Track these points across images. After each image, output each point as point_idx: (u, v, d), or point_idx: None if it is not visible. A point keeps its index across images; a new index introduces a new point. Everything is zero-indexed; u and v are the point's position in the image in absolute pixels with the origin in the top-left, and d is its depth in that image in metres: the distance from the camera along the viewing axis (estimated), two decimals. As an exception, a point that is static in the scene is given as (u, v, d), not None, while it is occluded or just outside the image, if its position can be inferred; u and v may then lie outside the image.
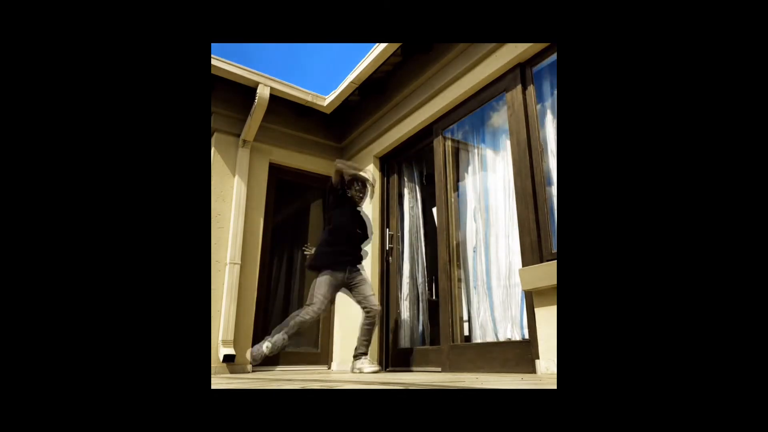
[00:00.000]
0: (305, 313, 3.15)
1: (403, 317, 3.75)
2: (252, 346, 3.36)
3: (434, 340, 3.59)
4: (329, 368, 4.15)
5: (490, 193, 3.20)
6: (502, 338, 2.87)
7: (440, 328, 3.21)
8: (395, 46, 3.49)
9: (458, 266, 3.27)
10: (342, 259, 3.25)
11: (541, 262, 2.51)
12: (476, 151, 3.40)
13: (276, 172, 4.35)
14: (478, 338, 3.06)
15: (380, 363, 3.69)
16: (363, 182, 3.49)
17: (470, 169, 3.42)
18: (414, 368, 3.40)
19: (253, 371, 3.68)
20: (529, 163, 2.70)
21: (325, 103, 4.26)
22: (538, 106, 2.80)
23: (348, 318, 4.05)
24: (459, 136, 3.57)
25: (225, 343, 3.54)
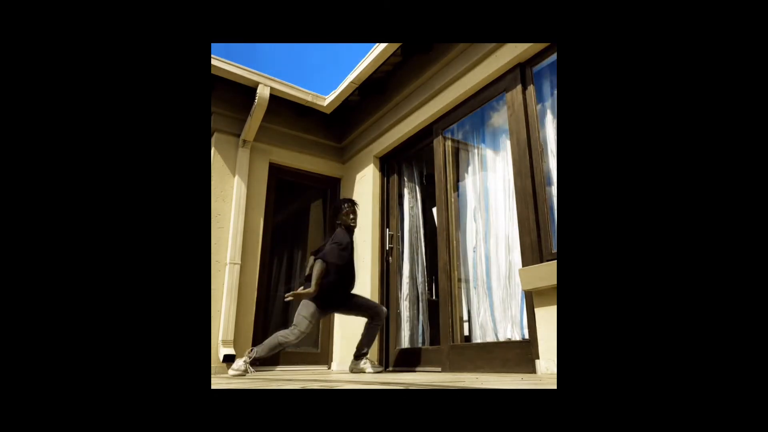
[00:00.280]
0: (289, 334, 3.07)
1: (403, 317, 3.75)
2: (251, 347, 3.36)
3: (434, 340, 3.59)
4: (329, 368, 4.15)
5: (490, 193, 3.20)
6: (502, 338, 2.87)
7: (440, 328, 3.21)
8: (395, 46, 3.49)
9: (458, 266, 3.27)
10: (346, 294, 3.26)
11: (541, 262, 2.51)
12: (476, 151, 3.40)
13: (276, 172, 4.35)
14: (478, 338, 3.06)
15: (380, 363, 3.69)
16: (348, 201, 3.39)
17: (470, 169, 3.42)
18: (414, 368, 3.40)
19: (253, 371, 3.68)
20: (529, 163, 2.70)
21: (325, 103, 4.26)
22: (538, 106, 2.80)
23: (348, 318, 4.05)
24: (459, 136, 3.57)
25: (225, 343, 3.54)
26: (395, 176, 4.13)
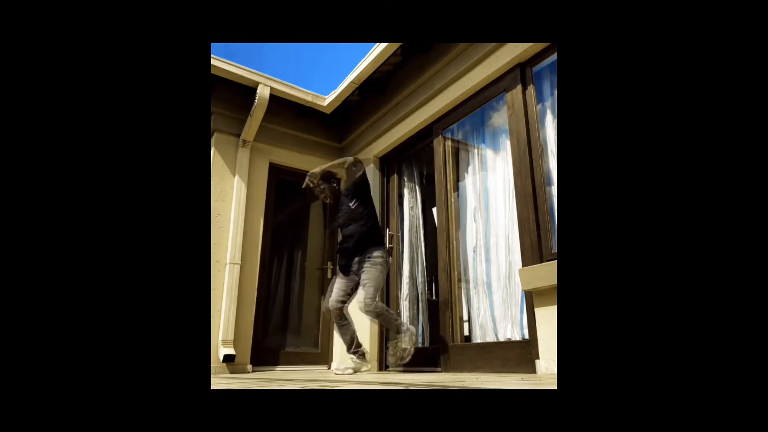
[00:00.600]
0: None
1: (403, 317, 3.75)
2: (355, 345, 3.10)
3: (434, 340, 3.58)
4: (329, 368, 4.15)
5: (490, 193, 3.19)
6: (502, 338, 2.87)
7: (440, 328, 3.21)
8: (395, 46, 3.49)
9: (458, 266, 3.27)
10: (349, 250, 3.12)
11: (541, 262, 2.51)
12: (476, 151, 3.40)
13: (276, 172, 4.35)
14: (478, 338, 3.05)
15: (380, 363, 3.69)
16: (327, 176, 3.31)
17: (470, 169, 3.42)
18: (414, 368, 3.40)
19: (253, 371, 3.68)
20: (529, 163, 2.70)
21: (325, 103, 4.26)
22: (538, 106, 2.80)
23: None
24: (459, 136, 3.57)
25: (225, 343, 3.54)
26: (395, 176, 4.13)
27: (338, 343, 4.14)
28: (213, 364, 3.46)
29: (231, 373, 3.52)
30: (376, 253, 3.01)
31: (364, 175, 3.24)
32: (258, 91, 3.85)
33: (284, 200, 4.48)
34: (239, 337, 3.65)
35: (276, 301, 4.26)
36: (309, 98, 4.21)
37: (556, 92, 2.76)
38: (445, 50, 3.39)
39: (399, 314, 3.76)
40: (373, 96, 4.20)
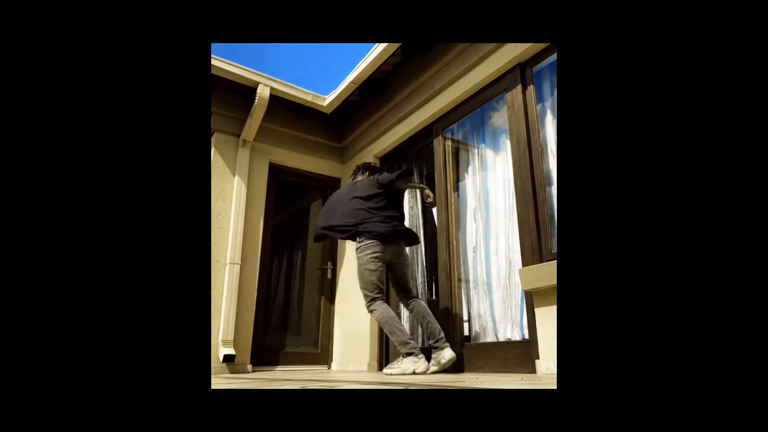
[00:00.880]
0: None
1: (403, 317, 3.75)
2: (412, 346, 2.74)
3: (434, 340, 3.58)
4: (329, 368, 4.15)
5: (490, 193, 3.19)
6: (502, 338, 2.87)
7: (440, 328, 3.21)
8: (395, 46, 3.49)
9: (458, 266, 3.27)
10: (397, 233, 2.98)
11: (541, 262, 2.51)
12: (476, 151, 3.40)
13: (276, 172, 4.35)
14: (478, 338, 3.05)
15: (379, 363, 3.69)
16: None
17: (470, 169, 3.42)
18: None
19: (253, 371, 3.68)
20: (529, 163, 2.70)
21: (325, 103, 4.26)
22: (538, 106, 2.80)
23: (348, 318, 4.05)
24: (459, 136, 3.57)
25: (225, 343, 3.54)
26: (395, 176, 4.13)
27: (338, 343, 4.14)
28: (213, 364, 3.46)
29: (231, 373, 3.52)
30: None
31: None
32: (258, 91, 3.85)
33: (284, 200, 4.48)
34: (239, 337, 3.65)
35: (276, 301, 4.27)
36: (309, 98, 4.21)
37: (556, 92, 2.76)
38: (445, 50, 3.38)
39: (399, 314, 3.75)
40: (373, 96, 4.20)
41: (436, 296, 3.79)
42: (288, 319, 4.34)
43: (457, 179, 3.50)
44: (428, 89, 3.56)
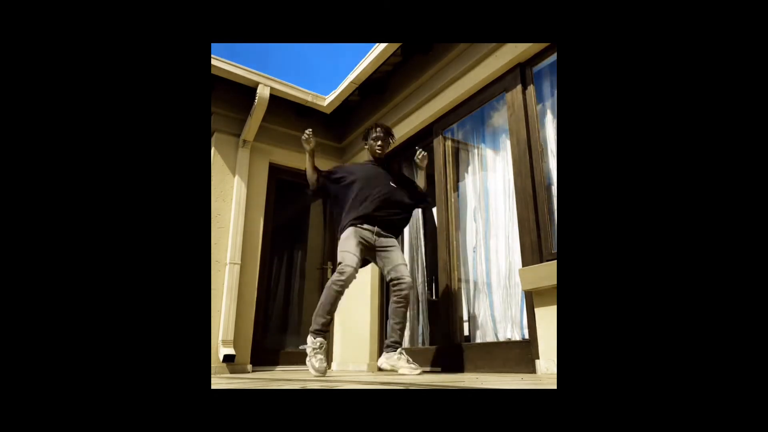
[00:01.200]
0: (335, 279, 2.60)
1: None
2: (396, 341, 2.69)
3: (434, 340, 3.58)
4: (329, 368, 4.15)
5: (490, 193, 3.19)
6: (502, 338, 2.87)
7: (440, 328, 3.21)
8: (395, 46, 3.49)
9: (458, 266, 3.27)
10: (360, 215, 2.77)
11: (541, 262, 2.51)
12: (476, 151, 3.40)
13: (276, 172, 4.35)
14: (478, 338, 3.05)
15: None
16: (378, 127, 3.03)
17: (470, 169, 3.42)
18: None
19: (253, 371, 3.68)
20: (529, 163, 2.70)
21: (325, 103, 4.26)
22: (538, 106, 2.80)
23: (348, 317, 4.05)
24: (459, 136, 3.57)
25: (225, 343, 3.54)
26: (395, 176, 4.13)
27: (338, 342, 4.14)
28: (213, 364, 3.46)
29: (231, 373, 3.52)
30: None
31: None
32: (258, 91, 3.85)
33: (284, 200, 4.48)
34: (239, 337, 3.65)
35: (276, 301, 4.27)
36: (309, 98, 4.21)
37: (556, 92, 2.76)
38: (445, 50, 3.38)
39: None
40: (373, 96, 4.20)
41: (436, 296, 3.79)
42: (288, 319, 4.34)
43: (457, 179, 3.50)
44: (428, 89, 3.56)
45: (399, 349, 2.65)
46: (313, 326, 2.62)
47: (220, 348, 3.52)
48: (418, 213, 4.01)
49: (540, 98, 2.83)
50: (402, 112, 3.84)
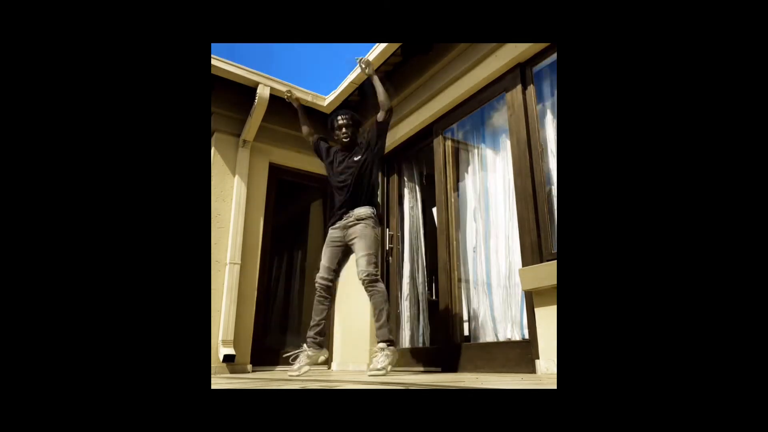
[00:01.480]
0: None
1: (403, 317, 3.75)
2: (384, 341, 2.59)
3: (434, 340, 3.58)
4: (329, 368, 4.15)
5: (490, 193, 3.19)
6: (502, 338, 2.87)
7: (440, 328, 3.21)
8: (395, 46, 3.49)
9: (458, 266, 3.27)
10: (335, 213, 2.85)
11: (541, 262, 2.51)
12: (476, 151, 3.40)
13: (276, 172, 4.35)
14: (478, 338, 3.05)
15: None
16: (334, 115, 3.05)
17: (470, 169, 3.42)
18: (414, 368, 3.40)
19: (253, 371, 3.68)
20: (529, 163, 2.70)
21: (325, 103, 4.26)
22: (538, 106, 2.80)
23: (348, 316, 4.05)
24: (459, 136, 3.57)
25: (225, 343, 3.54)
26: (395, 176, 4.13)
27: (338, 342, 4.14)
28: (213, 364, 3.46)
29: (231, 373, 3.52)
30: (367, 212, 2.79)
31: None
32: (258, 91, 3.85)
33: (284, 200, 4.48)
34: (239, 337, 3.65)
35: (276, 301, 4.27)
36: (309, 98, 4.21)
37: (556, 92, 2.76)
38: (445, 50, 3.38)
39: (399, 314, 3.75)
40: (373, 96, 4.20)
41: (436, 296, 3.79)
42: (288, 319, 4.34)
43: (457, 179, 3.50)
44: (428, 89, 3.56)
45: (380, 345, 2.56)
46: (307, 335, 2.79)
47: (220, 348, 3.52)
48: (418, 213, 4.02)
49: (540, 98, 2.83)
50: (402, 112, 3.84)
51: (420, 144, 3.88)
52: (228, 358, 3.49)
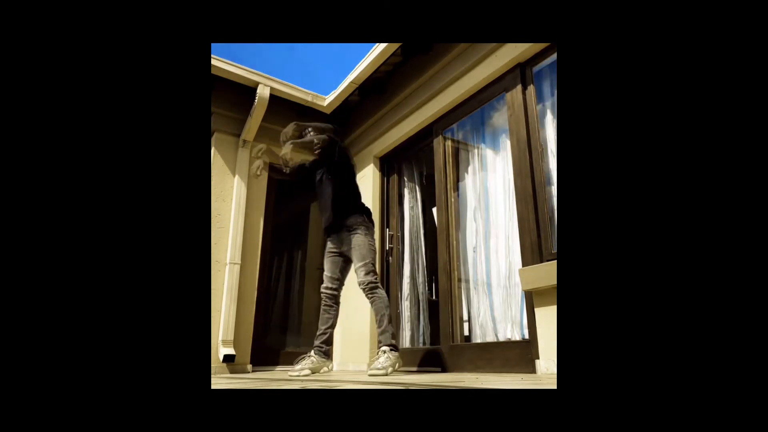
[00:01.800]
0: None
1: (403, 317, 3.75)
2: (386, 344, 2.64)
3: (434, 340, 3.58)
4: (329, 368, 4.15)
5: (490, 193, 3.19)
6: (502, 338, 2.87)
7: (440, 328, 3.21)
8: (395, 46, 3.49)
9: (458, 266, 3.27)
10: (324, 228, 2.98)
11: (541, 262, 2.51)
12: (476, 151, 3.40)
13: (276, 172, 4.35)
14: (478, 338, 3.05)
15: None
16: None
17: (470, 169, 3.42)
18: (414, 368, 3.40)
19: (253, 371, 3.68)
20: (529, 163, 2.70)
21: (325, 103, 4.26)
22: (538, 106, 2.80)
23: (348, 317, 4.05)
24: (459, 136, 3.57)
25: (225, 343, 3.54)
26: (395, 176, 4.13)
27: (337, 342, 4.14)
28: (213, 364, 3.46)
29: (231, 373, 3.52)
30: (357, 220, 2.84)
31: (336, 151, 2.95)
32: (258, 91, 3.85)
33: (284, 200, 4.48)
34: (239, 337, 3.65)
35: (276, 301, 4.27)
36: (309, 98, 4.21)
37: (556, 92, 2.76)
38: (445, 50, 3.39)
39: (399, 314, 3.75)
40: (373, 96, 4.20)
41: (436, 296, 3.79)
42: (288, 319, 4.34)
43: (457, 179, 3.50)
44: (428, 89, 3.56)
45: (383, 348, 2.60)
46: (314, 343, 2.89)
47: (220, 348, 3.52)
48: (418, 213, 4.02)
49: (540, 98, 2.83)
50: (402, 112, 3.84)
51: (420, 144, 3.88)
52: (228, 358, 3.49)
